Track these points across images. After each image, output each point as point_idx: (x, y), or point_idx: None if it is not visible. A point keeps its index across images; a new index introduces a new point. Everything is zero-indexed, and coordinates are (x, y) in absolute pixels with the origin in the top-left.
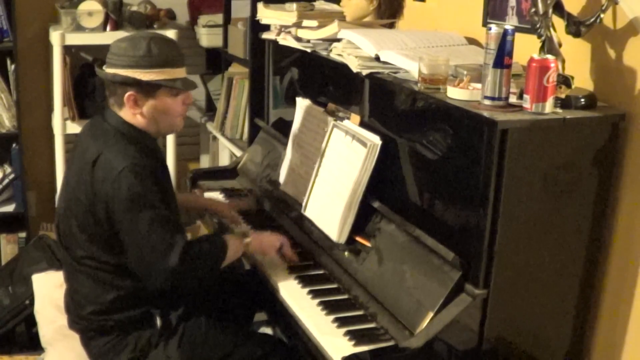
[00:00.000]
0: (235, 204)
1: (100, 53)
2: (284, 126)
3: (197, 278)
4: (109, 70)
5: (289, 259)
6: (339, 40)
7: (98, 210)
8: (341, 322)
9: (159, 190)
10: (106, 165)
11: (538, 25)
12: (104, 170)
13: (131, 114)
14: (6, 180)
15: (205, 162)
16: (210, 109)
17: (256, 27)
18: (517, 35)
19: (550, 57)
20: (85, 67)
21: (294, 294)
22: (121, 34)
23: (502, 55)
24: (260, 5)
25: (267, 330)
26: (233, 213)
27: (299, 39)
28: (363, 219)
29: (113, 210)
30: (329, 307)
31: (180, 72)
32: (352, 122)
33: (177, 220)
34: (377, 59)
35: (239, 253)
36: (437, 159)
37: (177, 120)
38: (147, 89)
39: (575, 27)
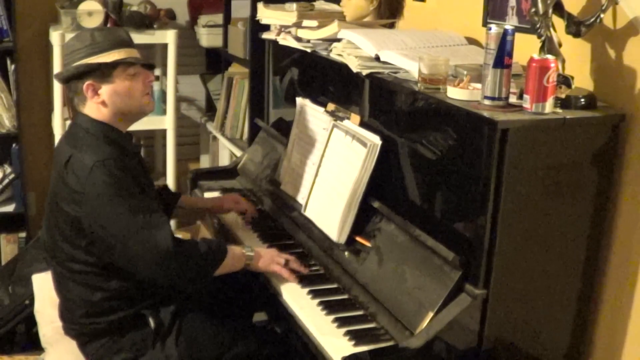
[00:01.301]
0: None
1: None
2: (284, 126)
3: (190, 276)
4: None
5: (298, 271)
6: (339, 40)
7: (75, 210)
8: (341, 322)
9: (133, 180)
10: (77, 164)
11: (538, 25)
12: (75, 169)
13: (95, 106)
14: (6, 180)
15: (205, 162)
16: (210, 109)
17: (256, 27)
18: (517, 35)
19: (550, 57)
20: None
21: (294, 294)
22: None
23: (502, 55)
24: (260, 5)
25: None
26: (235, 201)
27: (299, 39)
28: (363, 219)
29: (91, 207)
30: (329, 307)
31: (132, 52)
32: (352, 122)
33: (158, 208)
34: (377, 59)
35: (239, 263)
36: (437, 159)
37: (144, 100)
38: (103, 74)
39: (575, 27)
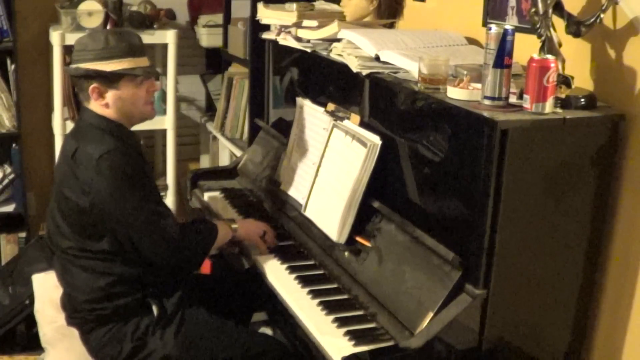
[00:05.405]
0: None
1: None
2: (284, 126)
3: (194, 258)
4: (73, 66)
5: (270, 244)
6: (339, 40)
7: (83, 200)
8: (341, 322)
9: (139, 171)
10: (84, 155)
11: (538, 25)
12: (83, 160)
13: (99, 105)
14: (6, 180)
15: (205, 162)
16: (210, 109)
17: (256, 27)
18: (517, 35)
19: (550, 57)
20: None
21: (294, 294)
22: None
23: (502, 55)
24: (260, 5)
25: (267, 331)
26: None
27: (299, 39)
28: (363, 219)
29: (99, 197)
30: (329, 307)
31: (141, 61)
32: (352, 122)
33: (160, 198)
34: (377, 59)
35: (228, 237)
36: (437, 159)
37: (147, 109)
38: (109, 80)
39: (575, 27)
